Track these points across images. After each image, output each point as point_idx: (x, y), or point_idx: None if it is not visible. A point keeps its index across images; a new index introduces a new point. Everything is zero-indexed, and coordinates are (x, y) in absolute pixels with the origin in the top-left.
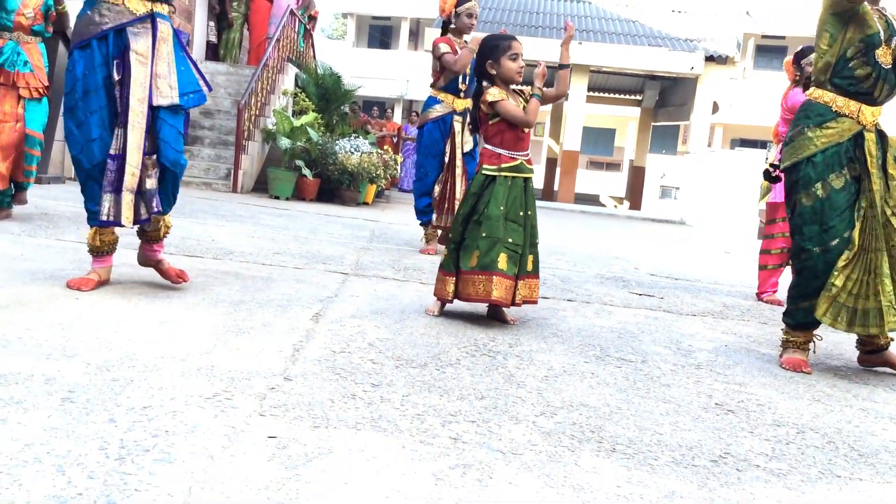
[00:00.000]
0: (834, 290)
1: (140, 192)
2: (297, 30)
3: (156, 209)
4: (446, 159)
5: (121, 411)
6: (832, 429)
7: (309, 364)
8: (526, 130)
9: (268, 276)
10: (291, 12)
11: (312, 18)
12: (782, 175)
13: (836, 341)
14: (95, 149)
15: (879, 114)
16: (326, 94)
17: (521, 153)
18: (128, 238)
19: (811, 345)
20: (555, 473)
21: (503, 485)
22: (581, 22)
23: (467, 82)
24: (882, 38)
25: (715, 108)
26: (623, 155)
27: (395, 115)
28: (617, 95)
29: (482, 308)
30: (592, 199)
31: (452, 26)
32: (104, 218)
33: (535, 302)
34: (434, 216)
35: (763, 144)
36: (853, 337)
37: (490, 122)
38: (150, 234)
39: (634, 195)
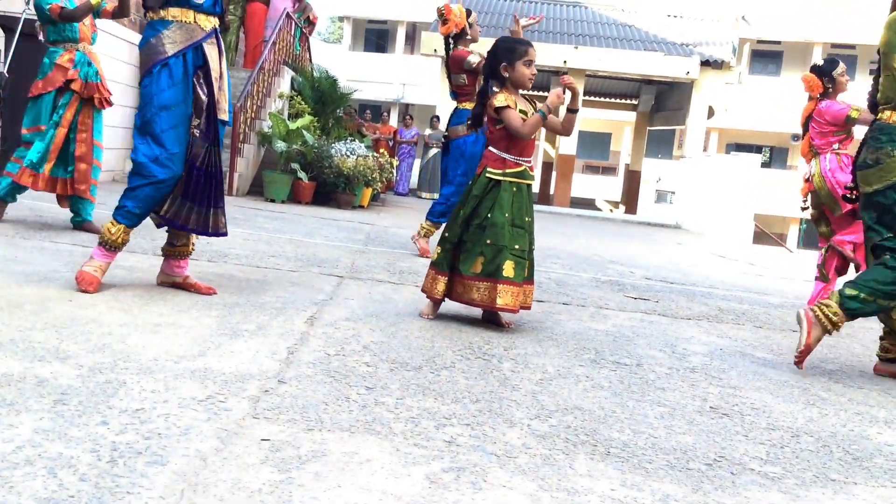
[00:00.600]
0: None
1: (220, 206)
2: (293, 33)
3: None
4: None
5: (113, 414)
6: (827, 433)
7: (303, 367)
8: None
9: (263, 279)
10: (288, 15)
11: (311, 24)
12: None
13: (830, 345)
14: (177, 163)
15: None
16: (322, 98)
17: (525, 160)
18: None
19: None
20: (549, 477)
21: (497, 488)
22: (577, 26)
23: None
24: None
25: (710, 112)
26: (619, 159)
27: (392, 118)
28: (613, 100)
29: (477, 311)
30: (588, 203)
31: (468, 37)
32: (165, 216)
33: (529, 307)
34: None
35: (758, 149)
36: (849, 341)
37: (497, 127)
38: (180, 250)
39: (630, 199)
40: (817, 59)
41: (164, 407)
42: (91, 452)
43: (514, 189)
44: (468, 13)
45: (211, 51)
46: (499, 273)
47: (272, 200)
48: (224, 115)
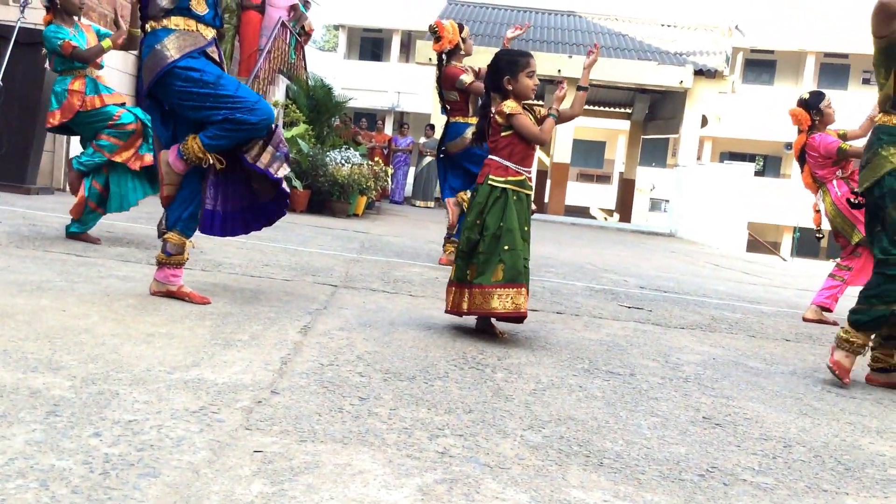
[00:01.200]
0: None
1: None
2: (288, 41)
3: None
4: None
5: (106, 425)
6: (819, 443)
7: (296, 377)
8: (535, 147)
9: (256, 289)
10: (283, 24)
11: (307, 34)
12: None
13: (823, 354)
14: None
15: None
16: (317, 106)
17: (526, 169)
18: (113, 248)
19: (863, 350)
20: (542, 488)
21: (490, 499)
22: (570, 35)
23: None
24: None
25: (704, 121)
26: (613, 167)
27: (387, 126)
28: (607, 108)
29: (471, 320)
30: (582, 212)
31: (462, 53)
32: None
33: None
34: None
35: (752, 158)
36: None
37: (502, 134)
38: (175, 259)
39: (624, 207)
40: (810, 68)
41: (157, 418)
42: (83, 464)
43: (515, 198)
44: (461, 28)
45: (212, 58)
46: (520, 277)
47: None
48: None
